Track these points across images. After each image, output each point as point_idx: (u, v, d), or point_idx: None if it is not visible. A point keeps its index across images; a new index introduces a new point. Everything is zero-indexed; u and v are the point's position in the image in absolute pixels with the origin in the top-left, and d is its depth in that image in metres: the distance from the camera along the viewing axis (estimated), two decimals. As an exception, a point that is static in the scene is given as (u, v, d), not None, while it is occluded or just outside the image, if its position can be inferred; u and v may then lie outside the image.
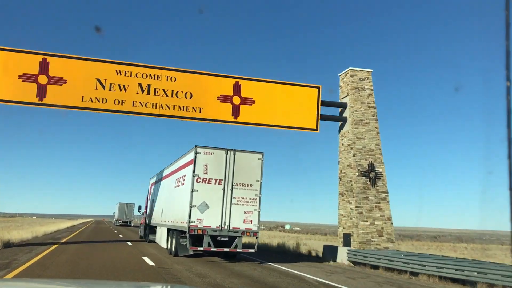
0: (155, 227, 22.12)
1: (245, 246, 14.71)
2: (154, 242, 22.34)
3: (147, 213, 26.04)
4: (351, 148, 17.28)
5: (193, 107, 15.98)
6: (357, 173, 16.87)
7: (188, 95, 15.98)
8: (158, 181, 22.74)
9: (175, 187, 17.46)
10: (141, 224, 30.36)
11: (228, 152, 14.74)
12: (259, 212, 14.67)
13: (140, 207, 31.53)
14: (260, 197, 14.74)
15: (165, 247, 18.01)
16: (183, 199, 15.35)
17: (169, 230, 17.44)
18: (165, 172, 20.65)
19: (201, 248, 14.22)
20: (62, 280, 7.04)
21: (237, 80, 16.52)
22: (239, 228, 14.43)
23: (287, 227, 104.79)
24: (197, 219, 14.13)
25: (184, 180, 15.75)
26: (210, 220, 14.22)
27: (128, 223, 64.89)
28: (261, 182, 14.82)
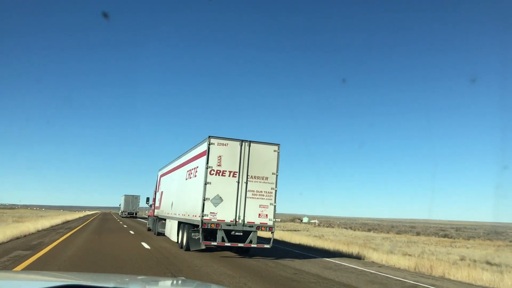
0: (164, 219, 21.64)
1: (260, 241, 14.15)
2: (163, 234, 21.92)
3: (156, 205, 25.58)
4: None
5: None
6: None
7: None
8: (168, 172, 22.18)
9: (186, 179, 16.88)
10: (149, 216, 29.98)
11: (243, 143, 14.13)
12: (275, 206, 14.08)
13: (148, 199, 31.13)
14: (276, 190, 14.14)
15: (176, 240, 17.50)
16: (195, 192, 14.79)
17: (180, 223, 16.92)
18: (176, 163, 20.08)
19: (215, 243, 13.67)
20: (67, 272, 7.06)
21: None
22: (254, 222, 13.86)
23: (305, 219, 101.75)
24: (211, 212, 13.57)
25: (196, 172, 15.17)
26: (224, 214, 13.66)
27: (134, 215, 66.54)
28: (277, 175, 14.22)
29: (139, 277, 4.02)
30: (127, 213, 66.41)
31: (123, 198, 68.34)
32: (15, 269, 9.46)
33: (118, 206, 75.85)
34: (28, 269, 9.57)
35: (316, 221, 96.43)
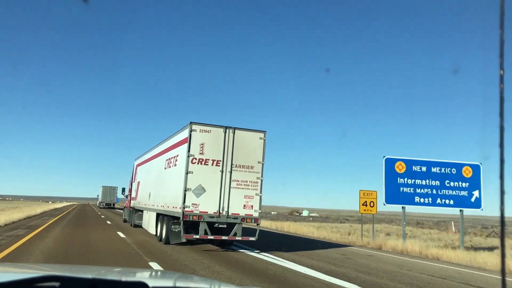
0: (141, 211, 20.62)
1: (245, 233, 13.33)
2: (140, 226, 20.94)
3: (132, 195, 24.49)
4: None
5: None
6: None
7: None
8: (145, 161, 21.09)
9: (165, 168, 15.89)
10: (125, 207, 28.86)
11: (227, 130, 13.23)
12: (260, 196, 13.28)
13: (124, 190, 29.99)
14: (261, 180, 13.32)
15: (154, 233, 16.54)
16: (176, 182, 13.84)
17: (158, 215, 15.95)
18: (153, 152, 19.02)
19: (197, 236, 12.78)
20: (42, 264, 6.89)
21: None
22: (238, 214, 13.03)
23: (305, 213, 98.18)
24: (192, 204, 12.66)
25: (176, 160, 14.20)
26: (207, 205, 12.77)
27: (112, 205, 69.81)
28: (263, 164, 13.39)
29: (116, 269, 3.72)
30: (104, 204, 69.25)
31: (101, 189, 71.06)
32: None
33: (96, 197, 77.87)
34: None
35: (316, 214, 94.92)
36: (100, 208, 68.68)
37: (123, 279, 2.49)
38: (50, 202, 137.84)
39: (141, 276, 3.17)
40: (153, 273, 3.91)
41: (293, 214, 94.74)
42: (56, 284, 1.72)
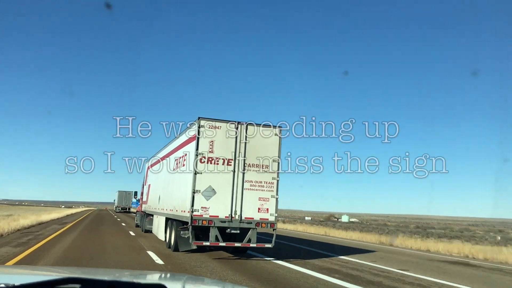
0: (152, 215, 19.59)
1: (259, 239, 12.11)
2: (150, 231, 19.92)
3: (143, 199, 23.52)
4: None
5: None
6: None
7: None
8: (155, 163, 20.04)
9: (174, 169, 14.77)
10: (137, 211, 27.96)
11: (239, 125, 12.04)
12: (277, 198, 12.04)
13: (135, 193, 29.15)
14: (278, 180, 12.09)
15: (163, 239, 15.45)
16: (184, 184, 12.70)
17: (167, 219, 14.85)
18: (163, 153, 17.96)
19: (207, 243, 11.60)
20: (58, 267, 7.21)
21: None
22: (252, 218, 11.81)
23: (344, 218, 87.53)
24: (202, 207, 11.49)
25: (184, 160, 13.06)
26: (218, 208, 11.59)
27: (127, 210, 71.41)
28: (279, 163, 12.16)
29: (127, 272, 4.24)
30: (120, 208, 71.24)
31: (117, 194, 72.93)
32: None
33: (113, 201, 79.59)
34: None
35: (356, 220, 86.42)
36: (116, 212, 70.83)
37: (140, 281, 2.60)
38: (62, 207, 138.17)
39: (151, 278, 3.21)
40: (163, 275, 3.96)
41: (330, 220, 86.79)
42: (77, 286, 1.78)
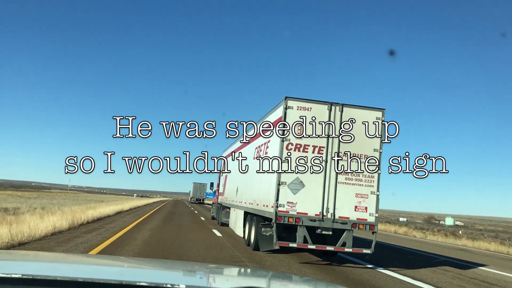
0: (229, 208, 18.36)
1: (355, 243, 10.12)
2: (227, 225, 18.75)
3: (220, 191, 22.45)
4: None
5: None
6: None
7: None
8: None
9: (254, 158, 13.21)
10: (213, 203, 27.09)
11: (333, 107, 10.14)
12: (377, 195, 9.97)
13: (212, 184, 28.29)
14: (379, 174, 10.02)
15: (241, 235, 14.06)
16: (266, 174, 11.08)
17: (246, 214, 13.41)
18: (241, 140, 16.53)
19: (294, 245, 9.86)
20: (136, 258, 6.70)
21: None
22: (348, 217, 9.87)
23: (449, 221, 76.07)
24: (288, 202, 9.78)
25: (267, 148, 11.44)
26: (307, 204, 9.81)
27: (201, 201, 75.94)
28: (381, 152, 10.08)
29: (211, 265, 4.09)
30: (195, 199, 75.63)
31: (192, 185, 76.95)
32: None
33: (188, 192, 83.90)
34: None
35: (461, 223, 74.48)
36: (191, 203, 74.67)
37: (228, 274, 2.72)
38: (135, 195, 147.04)
39: (234, 273, 3.06)
40: (248, 271, 3.81)
41: (431, 222, 77.60)
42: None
